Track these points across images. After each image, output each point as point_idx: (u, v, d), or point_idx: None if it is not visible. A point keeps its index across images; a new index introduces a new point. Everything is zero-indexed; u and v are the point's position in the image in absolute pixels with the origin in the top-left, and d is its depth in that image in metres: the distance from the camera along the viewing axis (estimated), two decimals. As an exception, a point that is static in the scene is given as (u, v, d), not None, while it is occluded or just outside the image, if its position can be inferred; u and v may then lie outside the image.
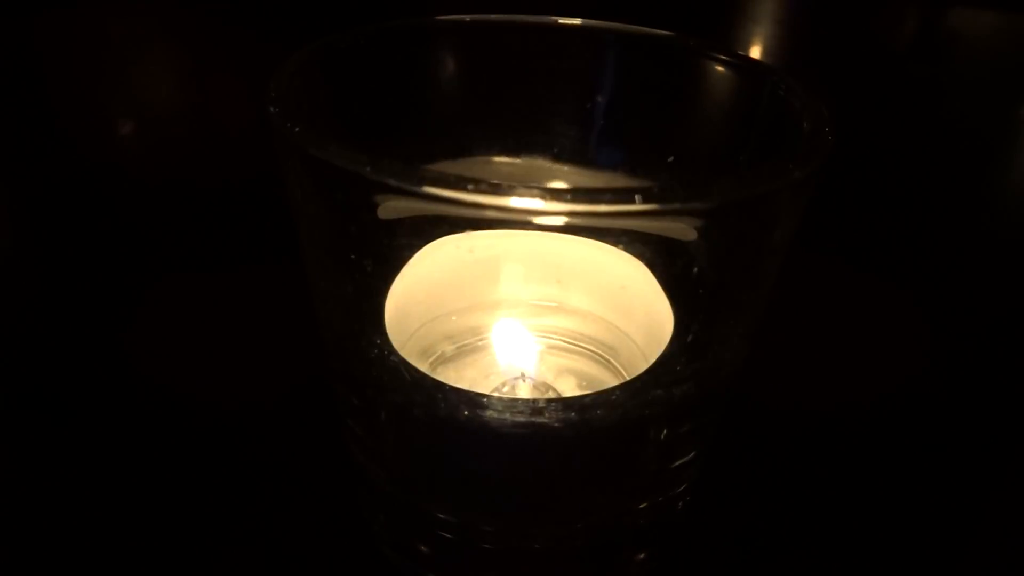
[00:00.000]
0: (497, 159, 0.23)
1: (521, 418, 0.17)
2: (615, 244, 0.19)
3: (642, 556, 0.21)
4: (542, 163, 0.23)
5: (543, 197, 0.13)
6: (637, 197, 0.13)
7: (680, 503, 0.21)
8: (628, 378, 0.21)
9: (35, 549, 0.21)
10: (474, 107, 0.22)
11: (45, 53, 0.54)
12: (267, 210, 0.33)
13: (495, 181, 0.13)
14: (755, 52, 0.61)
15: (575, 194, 0.13)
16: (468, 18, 0.21)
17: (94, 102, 0.48)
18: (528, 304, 0.22)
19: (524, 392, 0.21)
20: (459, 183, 0.13)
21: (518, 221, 0.14)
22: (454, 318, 0.23)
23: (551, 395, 0.21)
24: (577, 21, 0.22)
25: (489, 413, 0.17)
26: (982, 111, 0.55)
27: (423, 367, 0.21)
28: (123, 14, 0.60)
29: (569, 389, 0.22)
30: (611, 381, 0.22)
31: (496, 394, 0.21)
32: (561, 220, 0.14)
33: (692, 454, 0.20)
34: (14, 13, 0.56)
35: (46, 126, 0.44)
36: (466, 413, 0.17)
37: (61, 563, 0.21)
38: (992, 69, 0.64)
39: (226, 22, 0.59)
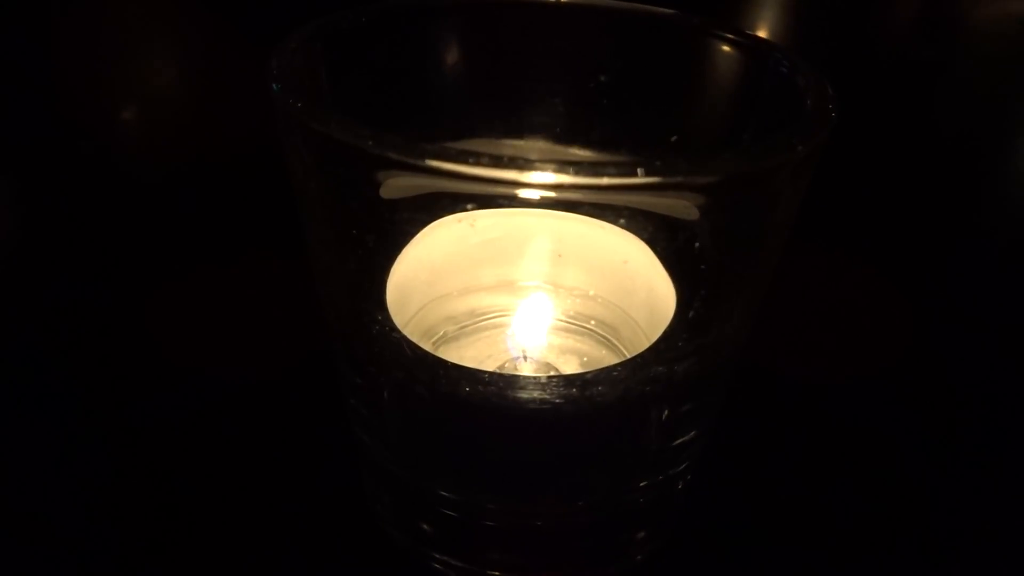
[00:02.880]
0: (499, 140, 0.23)
1: (523, 394, 0.17)
2: (616, 221, 0.19)
3: (642, 535, 0.21)
4: (544, 144, 0.23)
5: (545, 170, 0.13)
6: (640, 170, 0.13)
7: (680, 483, 0.21)
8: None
9: (49, 525, 0.21)
10: (476, 87, 0.22)
11: (48, 41, 0.54)
12: (269, 192, 0.33)
13: (497, 154, 0.13)
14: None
15: (578, 167, 0.13)
16: (470, -4, 0.21)
17: (96, 89, 0.48)
18: (529, 284, 0.22)
19: (526, 371, 0.21)
20: (461, 156, 0.13)
21: (520, 196, 0.14)
22: (455, 299, 0.23)
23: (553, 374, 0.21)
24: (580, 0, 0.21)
25: (491, 390, 0.17)
26: (985, 97, 0.54)
27: (425, 347, 0.21)
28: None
29: (571, 369, 0.22)
30: (613, 360, 0.22)
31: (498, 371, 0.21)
32: (564, 194, 0.14)
33: (693, 433, 0.20)
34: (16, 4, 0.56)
35: (50, 114, 0.44)
36: (467, 389, 0.17)
37: (72, 529, 0.21)
38: (996, 55, 0.63)
39: (228, 6, 0.59)
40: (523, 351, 0.21)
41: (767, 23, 0.65)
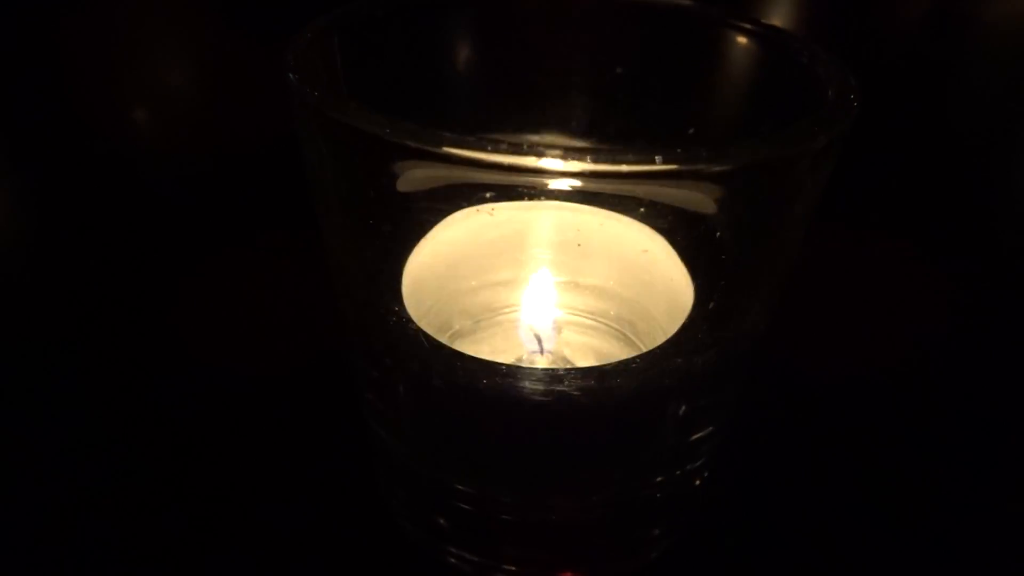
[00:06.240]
0: (514, 133, 0.23)
1: (540, 386, 0.17)
2: (635, 213, 0.19)
3: (658, 530, 0.21)
4: (560, 137, 0.23)
5: (564, 157, 0.13)
6: (658, 157, 0.13)
7: (697, 479, 0.21)
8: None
9: (67, 512, 0.21)
10: (491, 80, 0.22)
11: (57, 37, 0.54)
12: (283, 185, 0.33)
13: (515, 141, 0.13)
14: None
15: (597, 154, 0.13)
16: (486, -12, 0.21)
17: (113, 82, 0.48)
18: (546, 278, 0.22)
19: (542, 365, 0.21)
20: (479, 144, 0.13)
21: (538, 185, 0.14)
22: (471, 292, 0.23)
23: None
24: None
25: (508, 382, 0.17)
26: (996, 94, 0.54)
27: (440, 341, 0.21)
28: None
29: (587, 362, 0.22)
30: (629, 354, 0.21)
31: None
32: (582, 182, 0.14)
33: (710, 428, 0.19)
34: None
35: (61, 110, 0.44)
36: (485, 382, 0.17)
37: (85, 524, 0.21)
38: (1007, 52, 0.63)
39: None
40: (539, 344, 0.21)
41: (776, 20, 0.64)
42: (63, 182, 0.38)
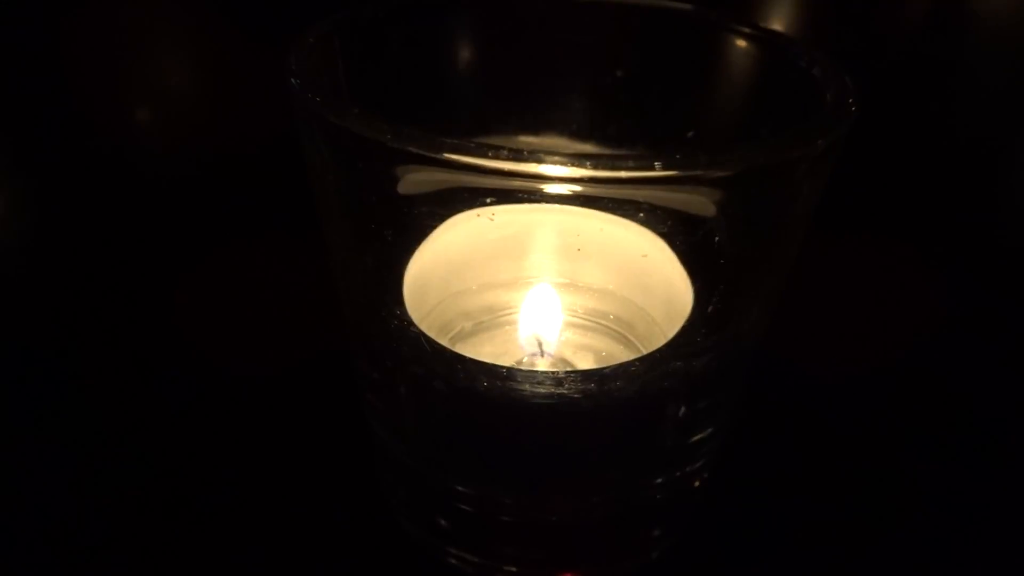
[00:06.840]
0: (514, 135, 0.23)
1: (541, 389, 0.17)
2: (634, 217, 0.19)
3: (658, 532, 0.21)
4: (560, 140, 0.23)
5: (564, 163, 0.13)
6: (658, 163, 0.13)
7: (697, 480, 0.21)
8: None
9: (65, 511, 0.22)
10: (492, 82, 0.22)
11: (58, 37, 0.54)
12: (286, 188, 0.34)
13: (515, 147, 0.13)
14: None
15: (597, 160, 0.13)
16: (487, -8, 0.21)
17: (116, 83, 0.48)
18: (546, 281, 0.22)
19: (543, 367, 0.21)
20: (480, 150, 0.13)
21: (538, 190, 0.14)
22: (472, 295, 0.23)
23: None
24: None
25: (509, 384, 0.17)
26: (997, 93, 0.54)
27: (442, 343, 0.21)
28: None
29: (587, 365, 0.22)
30: (629, 357, 0.22)
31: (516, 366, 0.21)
32: (582, 188, 0.14)
33: (710, 430, 0.20)
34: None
35: (62, 110, 0.45)
36: (485, 384, 0.17)
37: (86, 523, 0.21)
38: (1009, 50, 0.63)
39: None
40: (539, 347, 0.21)
41: (777, 20, 0.64)
42: (63, 181, 0.38)
